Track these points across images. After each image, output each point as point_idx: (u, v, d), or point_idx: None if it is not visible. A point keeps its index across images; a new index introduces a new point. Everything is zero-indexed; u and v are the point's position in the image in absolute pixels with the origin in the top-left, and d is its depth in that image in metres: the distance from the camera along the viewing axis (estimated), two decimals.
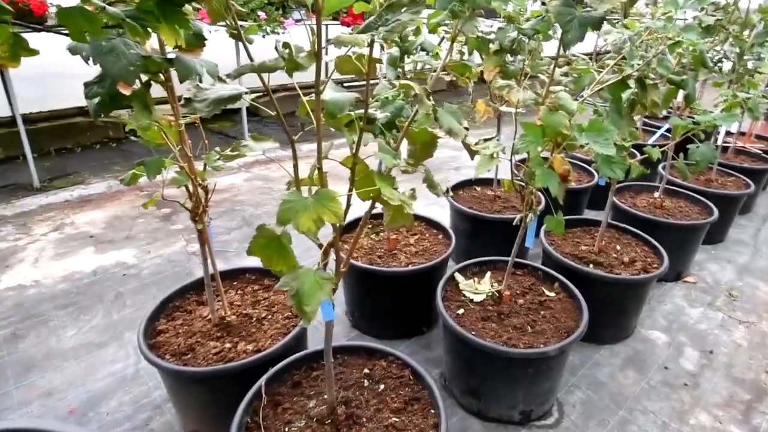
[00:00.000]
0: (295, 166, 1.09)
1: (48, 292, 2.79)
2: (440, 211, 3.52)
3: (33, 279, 2.90)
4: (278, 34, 4.49)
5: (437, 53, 2.10)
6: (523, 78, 2.14)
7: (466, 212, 2.86)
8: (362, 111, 1.12)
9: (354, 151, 1.10)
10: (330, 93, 1.01)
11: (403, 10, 0.85)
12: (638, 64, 1.54)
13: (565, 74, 1.68)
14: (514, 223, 1.93)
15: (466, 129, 1.22)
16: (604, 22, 1.49)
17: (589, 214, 3.67)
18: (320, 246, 1.17)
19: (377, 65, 1.24)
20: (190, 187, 1.65)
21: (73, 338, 2.45)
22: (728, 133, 4.42)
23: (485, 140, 1.90)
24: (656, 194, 3.17)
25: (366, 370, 1.69)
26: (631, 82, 1.74)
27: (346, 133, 1.07)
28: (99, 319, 2.58)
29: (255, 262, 1.69)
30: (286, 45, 0.87)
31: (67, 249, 3.22)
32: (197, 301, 2.06)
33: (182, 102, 1.10)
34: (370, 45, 0.90)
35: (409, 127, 1.30)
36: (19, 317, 2.59)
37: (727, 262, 3.30)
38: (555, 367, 1.94)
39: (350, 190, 1.16)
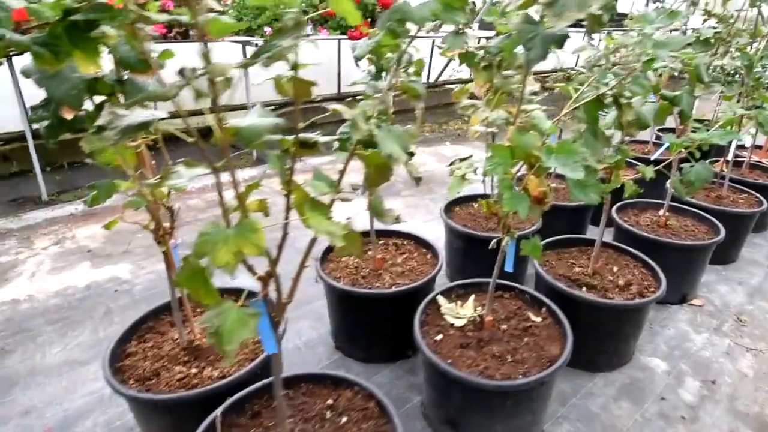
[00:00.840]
0: (220, 194, 1.04)
1: (40, 306, 2.80)
2: (438, 227, 3.44)
3: (27, 293, 2.92)
4: None
5: (418, 70, 2.05)
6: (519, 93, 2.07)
7: (459, 230, 2.78)
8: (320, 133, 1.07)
9: (286, 178, 1.05)
10: (250, 118, 0.97)
11: (287, 35, 0.80)
12: (612, 83, 1.45)
13: (534, 93, 1.60)
14: (490, 247, 1.85)
15: (411, 154, 1.15)
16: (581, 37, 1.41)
17: (592, 231, 3.55)
18: (253, 273, 1.11)
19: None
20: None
21: (58, 355, 2.45)
22: (742, 147, 4.25)
23: (460, 160, 1.83)
24: (661, 212, 3.04)
25: (330, 401, 1.63)
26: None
27: (270, 160, 1.02)
28: (86, 336, 2.58)
29: (228, 283, 1.64)
30: (191, 70, 0.82)
31: (65, 263, 3.24)
32: (171, 322, 2.02)
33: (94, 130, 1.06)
34: (243, 67, 0.85)
35: (364, 150, 1.24)
36: (9, 332, 2.60)
37: (738, 284, 3.14)
38: (536, 398, 1.85)
39: (286, 218, 1.11)
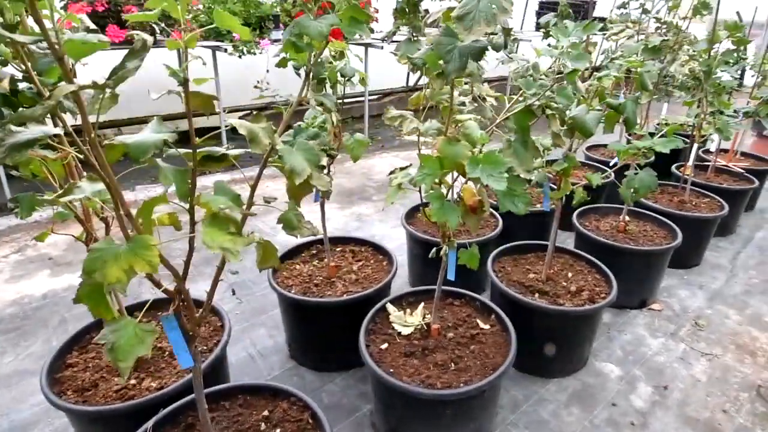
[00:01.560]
0: (118, 207, 1.02)
1: None
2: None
3: None
4: (254, 54, 4.49)
5: (363, 78, 2.05)
6: (472, 101, 2.07)
7: (419, 236, 2.78)
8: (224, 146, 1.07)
9: (185, 193, 1.04)
10: (142, 133, 0.96)
11: (136, 56, 0.79)
12: (538, 93, 1.46)
13: (462, 103, 1.60)
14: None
15: (322, 167, 1.15)
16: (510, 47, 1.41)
17: (560, 236, 3.57)
18: (158, 286, 1.10)
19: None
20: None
21: (9, 365, 2.42)
22: (707, 151, 4.30)
23: (400, 169, 1.83)
24: (622, 216, 3.06)
25: (266, 412, 1.62)
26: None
27: (161, 175, 1.01)
28: (38, 346, 2.55)
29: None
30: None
31: (24, 272, 3.21)
32: None
33: None
34: (91, 89, 0.84)
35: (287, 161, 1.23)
36: None
37: (699, 288, 3.16)
38: (478, 407, 1.85)
39: (191, 232, 1.10)
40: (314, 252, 2.60)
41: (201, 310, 1.25)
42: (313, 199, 2.40)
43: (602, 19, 3.87)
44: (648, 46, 2.37)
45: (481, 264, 2.53)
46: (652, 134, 2.43)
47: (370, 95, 6.23)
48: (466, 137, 1.58)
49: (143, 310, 1.23)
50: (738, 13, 5.00)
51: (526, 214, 2.14)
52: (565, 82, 1.46)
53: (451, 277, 1.88)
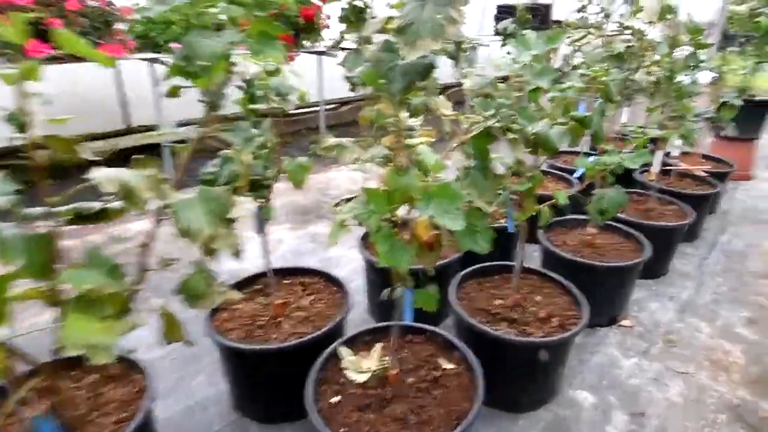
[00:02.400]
0: None
1: None
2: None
3: None
4: None
5: (303, 95, 1.82)
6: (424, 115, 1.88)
7: (377, 263, 2.56)
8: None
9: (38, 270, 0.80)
10: None
11: None
12: (498, 114, 1.27)
13: (410, 128, 1.40)
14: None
15: (230, 221, 0.92)
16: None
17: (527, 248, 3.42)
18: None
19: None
20: None
21: None
22: (667, 155, 4.23)
23: (346, 200, 1.61)
24: (588, 230, 2.92)
25: None
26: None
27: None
28: None
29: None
30: None
31: None
32: None
33: None
34: None
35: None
36: None
37: (669, 300, 3.05)
38: None
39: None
40: (260, 287, 2.35)
41: None
42: (256, 230, 2.16)
43: (558, 23, 3.74)
44: (612, 53, 2.23)
45: (444, 290, 2.36)
46: (623, 139, 2.29)
47: (327, 104, 5.99)
48: (419, 165, 1.38)
49: None
50: (689, 14, 4.98)
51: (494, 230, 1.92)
52: (528, 100, 1.27)
53: (408, 320, 1.67)
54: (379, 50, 1.09)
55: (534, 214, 2.10)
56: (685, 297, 3.08)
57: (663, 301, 3.04)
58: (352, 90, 1.60)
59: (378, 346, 1.93)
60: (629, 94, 3.74)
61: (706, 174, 3.94)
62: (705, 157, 4.52)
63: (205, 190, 0.95)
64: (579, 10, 3.29)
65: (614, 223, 3.06)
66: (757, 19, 4.74)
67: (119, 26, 4.16)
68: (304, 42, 4.90)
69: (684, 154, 4.31)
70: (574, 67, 2.52)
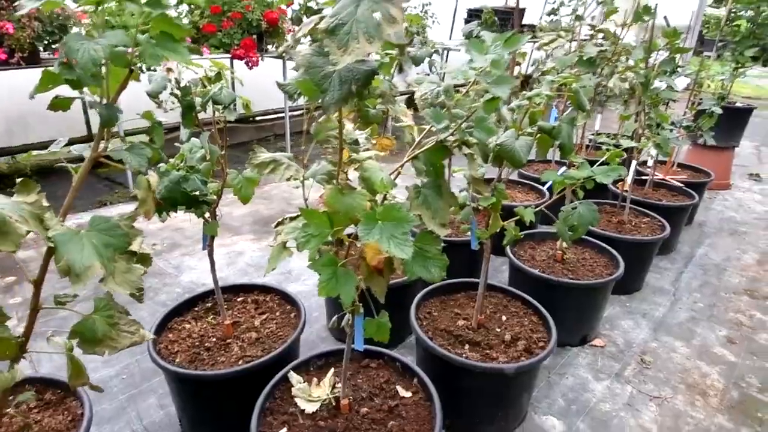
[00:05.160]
0: None
1: None
2: None
3: None
4: (154, 70, 4.03)
5: (247, 104, 1.68)
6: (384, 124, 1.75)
7: None
8: None
9: None
10: None
11: None
12: (450, 127, 1.14)
13: (355, 141, 1.27)
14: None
15: (132, 254, 0.78)
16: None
17: (495, 261, 3.32)
18: None
19: None
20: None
21: None
22: (644, 164, 4.16)
23: (290, 219, 1.48)
24: (558, 244, 2.82)
25: None
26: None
27: None
28: None
29: None
30: None
31: None
32: None
33: None
34: None
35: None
36: None
37: (643, 317, 2.96)
38: None
39: None
40: (211, 304, 2.21)
41: None
42: (201, 247, 2.02)
43: (531, 27, 3.63)
44: (583, 57, 2.13)
45: (405, 309, 2.23)
46: (597, 148, 2.19)
47: (294, 110, 5.84)
48: (366, 182, 1.25)
49: None
50: (666, 17, 4.94)
51: (458, 244, 1.79)
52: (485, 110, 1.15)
53: (359, 348, 1.53)
54: (311, 54, 0.96)
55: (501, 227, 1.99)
56: (659, 314, 2.99)
57: (637, 318, 2.94)
58: (291, 100, 1.47)
59: (330, 372, 1.81)
60: (601, 100, 3.68)
61: (682, 184, 3.87)
62: (681, 166, 4.47)
63: (99, 219, 0.81)
64: (550, 13, 3.20)
65: (586, 237, 2.97)
66: (736, 23, 4.70)
67: (75, 30, 3.98)
68: (269, 46, 4.75)
69: (659, 162, 4.26)
70: (544, 73, 2.42)
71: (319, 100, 0.96)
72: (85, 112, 5.09)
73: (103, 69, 0.84)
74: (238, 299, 2.28)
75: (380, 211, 1.10)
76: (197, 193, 1.44)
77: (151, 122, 1.04)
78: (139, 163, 0.93)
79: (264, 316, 2.16)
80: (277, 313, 2.19)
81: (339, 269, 1.14)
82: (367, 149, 1.34)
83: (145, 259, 0.99)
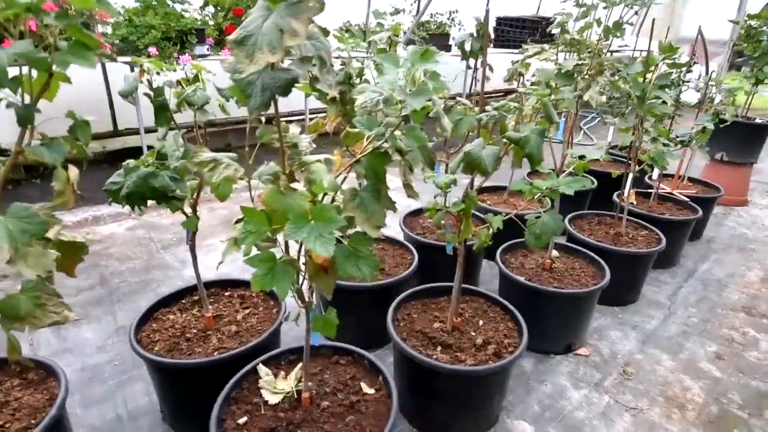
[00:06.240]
0: None
1: None
2: None
3: None
4: (174, 70, 4.20)
5: (222, 106, 1.78)
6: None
7: None
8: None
9: None
10: None
11: None
12: (384, 134, 1.21)
13: (294, 145, 1.34)
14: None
15: (46, 241, 0.88)
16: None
17: (493, 269, 3.35)
18: None
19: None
20: None
21: None
22: (651, 177, 4.13)
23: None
24: (549, 253, 2.83)
25: None
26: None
27: None
28: None
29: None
30: None
31: None
32: None
33: None
34: None
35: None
36: None
37: (632, 329, 2.95)
38: None
39: None
40: (198, 298, 2.31)
41: None
42: (186, 241, 2.13)
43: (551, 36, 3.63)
44: (561, 70, 2.16)
45: (384, 311, 2.29)
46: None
47: (317, 111, 5.97)
48: (310, 184, 1.33)
49: None
50: (700, 30, 4.89)
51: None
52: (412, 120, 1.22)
53: (315, 342, 1.61)
54: (234, 60, 1.05)
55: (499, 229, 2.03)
56: (650, 327, 2.97)
57: (626, 330, 2.93)
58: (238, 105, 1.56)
59: (298, 367, 1.88)
60: (616, 112, 3.67)
61: (687, 198, 3.82)
62: (693, 180, 4.40)
63: (19, 208, 0.91)
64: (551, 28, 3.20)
65: (579, 247, 2.98)
66: (761, 38, 4.61)
67: (100, 29, 4.19)
68: None
69: (669, 176, 4.21)
70: (533, 84, 2.46)
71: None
72: (111, 109, 5.30)
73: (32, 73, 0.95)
74: (226, 293, 2.38)
75: (313, 212, 1.17)
76: (167, 189, 1.54)
77: (74, 120, 1.13)
78: (54, 158, 1.02)
79: (247, 311, 2.26)
80: (260, 309, 2.28)
81: (278, 265, 1.22)
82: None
83: (81, 248, 1.09)
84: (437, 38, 7.05)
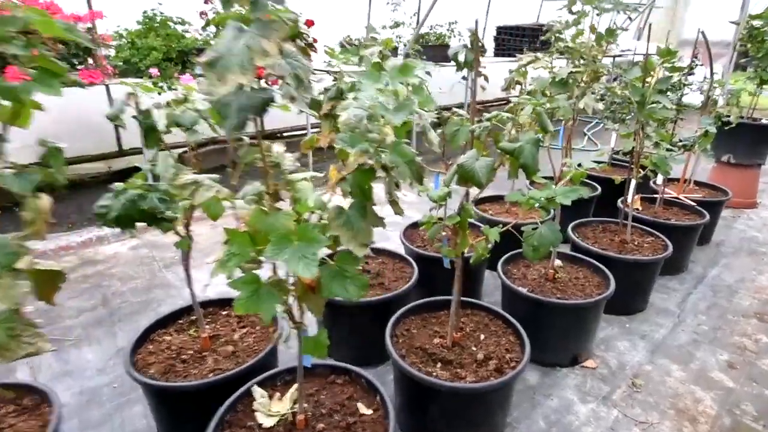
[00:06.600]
0: None
1: None
2: None
3: None
4: (175, 89, 4.22)
5: (213, 126, 1.76)
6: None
7: None
8: None
9: None
10: None
11: None
12: (369, 150, 1.18)
13: (275, 164, 1.31)
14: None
15: (15, 272, 0.85)
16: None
17: (497, 280, 3.29)
18: None
19: None
20: None
21: None
22: (654, 182, 4.06)
23: None
24: (551, 263, 2.78)
25: None
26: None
27: None
28: None
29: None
30: None
31: None
32: None
33: None
34: None
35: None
36: None
37: (641, 339, 2.88)
38: None
39: None
40: (195, 317, 2.28)
41: None
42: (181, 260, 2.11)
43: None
44: (555, 78, 2.13)
45: (384, 326, 2.25)
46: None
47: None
48: (296, 203, 1.30)
49: None
50: (703, 33, 4.84)
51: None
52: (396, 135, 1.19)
53: (306, 364, 1.57)
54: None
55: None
56: (659, 336, 2.90)
57: (634, 340, 2.87)
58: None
59: (294, 388, 1.85)
60: (617, 118, 3.62)
61: (693, 203, 3.75)
62: (699, 184, 4.33)
63: None
64: (546, 32, 3.16)
65: (583, 256, 2.93)
66: (765, 38, 4.56)
67: (104, 52, 4.22)
68: None
69: (671, 180, 4.14)
70: (529, 93, 2.43)
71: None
72: (116, 129, 5.34)
73: None
74: (223, 312, 2.35)
75: (297, 231, 1.14)
76: (155, 210, 1.52)
77: (47, 148, 1.11)
78: (23, 188, 1.00)
79: (244, 330, 2.23)
80: (258, 327, 2.25)
81: (262, 287, 1.19)
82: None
83: (57, 276, 1.07)
84: (437, 50, 7.04)
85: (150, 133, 1.59)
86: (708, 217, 3.59)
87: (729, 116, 4.06)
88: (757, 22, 4.52)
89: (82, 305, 3.08)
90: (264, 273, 1.27)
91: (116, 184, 1.52)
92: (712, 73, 4.03)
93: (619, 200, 3.65)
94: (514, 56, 3.03)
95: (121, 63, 4.35)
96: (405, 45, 6.21)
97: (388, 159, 1.18)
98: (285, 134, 6.40)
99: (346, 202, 1.32)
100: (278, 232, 1.12)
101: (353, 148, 1.17)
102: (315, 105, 1.79)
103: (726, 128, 4.14)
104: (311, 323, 2.66)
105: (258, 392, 1.82)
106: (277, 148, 1.40)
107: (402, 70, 1.12)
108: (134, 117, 1.63)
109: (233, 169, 1.38)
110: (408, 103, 1.08)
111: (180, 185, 1.38)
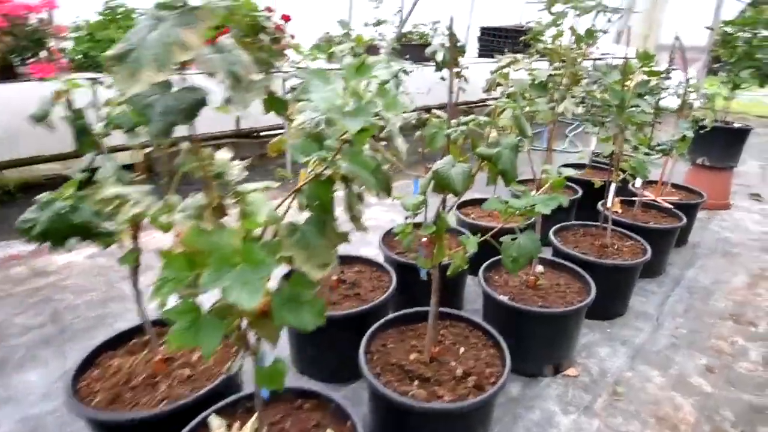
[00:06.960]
0: None
1: None
2: None
3: None
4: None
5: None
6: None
7: None
8: None
9: None
10: None
11: None
12: (326, 159, 1.04)
13: (218, 174, 1.16)
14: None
15: None
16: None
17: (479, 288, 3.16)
18: None
19: None
20: None
21: None
22: (632, 185, 4.01)
23: None
24: (533, 269, 2.68)
25: None
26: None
27: None
28: None
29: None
30: None
31: None
32: None
33: None
34: None
35: None
36: None
37: (622, 344, 2.79)
38: None
39: None
40: (148, 338, 2.10)
41: None
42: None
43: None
44: (535, 81, 2.02)
45: (359, 340, 2.10)
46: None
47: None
48: (246, 217, 1.15)
49: None
50: (678, 38, 4.82)
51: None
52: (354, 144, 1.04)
53: (264, 395, 1.42)
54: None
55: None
56: (639, 341, 2.83)
57: (615, 345, 2.78)
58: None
59: (254, 416, 1.68)
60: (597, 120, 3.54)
61: (670, 205, 3.70)
62: (676, 186, 4.29)
63: None
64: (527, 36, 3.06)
65: (564, 261, 2.83)
66: (737, 44, 4.57)
67: (61, 44, 3.97)
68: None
69: (649, 183, 4.09)
70: (509, 96, 2.31)
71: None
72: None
73: None
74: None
75: (242, 252, 0.98)
76: (89, 223, 1.34)
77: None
78: None
79: None
80: (218, 348, 2.07)
81: (203, 317, 1.03)
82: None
83: None
84: (420, 49, 6.91)
85: (82, 136, 1.41)
86: (685, 219, 3.55)
87: (705, 119, 4.04)
88: (729, 28, 4.54)
89: (29, 322, 2.85)
90: (212, 296, 1.11)
91: (42, 194, 1.34)
92: (687, 78, 4.00)
93: (599, 203, 3.57)
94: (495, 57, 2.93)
95: (80, 56, 4.11)
96: (387, 43, 6.07)
97: (347, 169, 1.03)
98: (262, 134, 6.17)
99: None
100: (220, 254, 0.96)
101: (306, 157, 1.02)
102: (280, 105, 1.63)
103: (701, 132, 4.12)
104: (282, 339, 2.49)
105: (215, 422, 1.65)
106: (222, 154, 1.24)
107: (359, 68, 0.97)
108: (63, 118, 1.45)
109: (169, 178, 1.21)
110: (367, 106, 0.93)
111: (99, 201, 1.21)
